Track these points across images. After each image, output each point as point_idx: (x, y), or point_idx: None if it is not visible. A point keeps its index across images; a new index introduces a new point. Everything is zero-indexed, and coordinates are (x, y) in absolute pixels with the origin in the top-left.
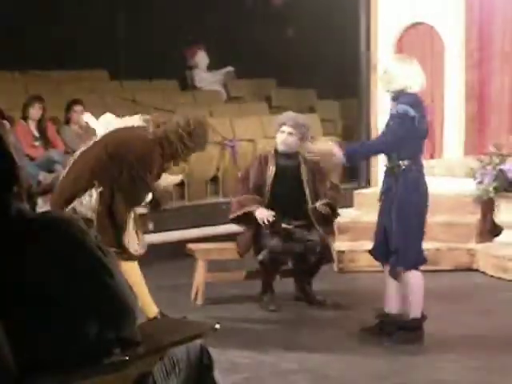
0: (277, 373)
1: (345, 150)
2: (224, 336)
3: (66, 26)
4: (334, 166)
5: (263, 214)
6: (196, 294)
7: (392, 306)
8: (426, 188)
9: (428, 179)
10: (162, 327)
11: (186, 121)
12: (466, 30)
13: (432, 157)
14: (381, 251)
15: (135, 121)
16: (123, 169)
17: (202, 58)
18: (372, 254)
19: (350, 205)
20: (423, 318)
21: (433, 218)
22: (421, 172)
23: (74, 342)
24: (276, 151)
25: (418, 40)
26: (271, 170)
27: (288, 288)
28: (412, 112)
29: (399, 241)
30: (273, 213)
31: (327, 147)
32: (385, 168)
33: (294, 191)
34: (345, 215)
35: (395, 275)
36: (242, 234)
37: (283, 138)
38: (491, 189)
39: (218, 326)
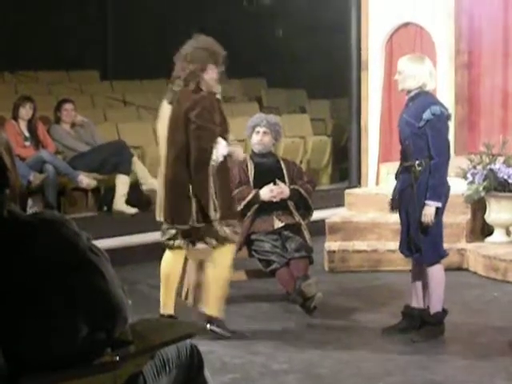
0: (267, 373)
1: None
2: (214, 336)
3: (55, 27)
4: None
5: (267, 193)
6: (186, 293)
7: (416, 302)
8: (448, 187)
9: None
10: (153, 327)
11: (183, 55)
12: (456, 30)
13: None
14: (407, 247)
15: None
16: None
17: None
18: (400, 251)
19: (341, 204)
20: (444, 312)
21: None
22: None
23: (65, 342)
24: (252, 154)
25: (408, 40)
26: (251, 169)
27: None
28: (445, 110)
29: (420, 238)
30: (272, 185)
31: None
32: (400, 167)
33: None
34: (336, 215)
35: (421, 270)
36: None
37: (259, 137)
38: (481, 188)
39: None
